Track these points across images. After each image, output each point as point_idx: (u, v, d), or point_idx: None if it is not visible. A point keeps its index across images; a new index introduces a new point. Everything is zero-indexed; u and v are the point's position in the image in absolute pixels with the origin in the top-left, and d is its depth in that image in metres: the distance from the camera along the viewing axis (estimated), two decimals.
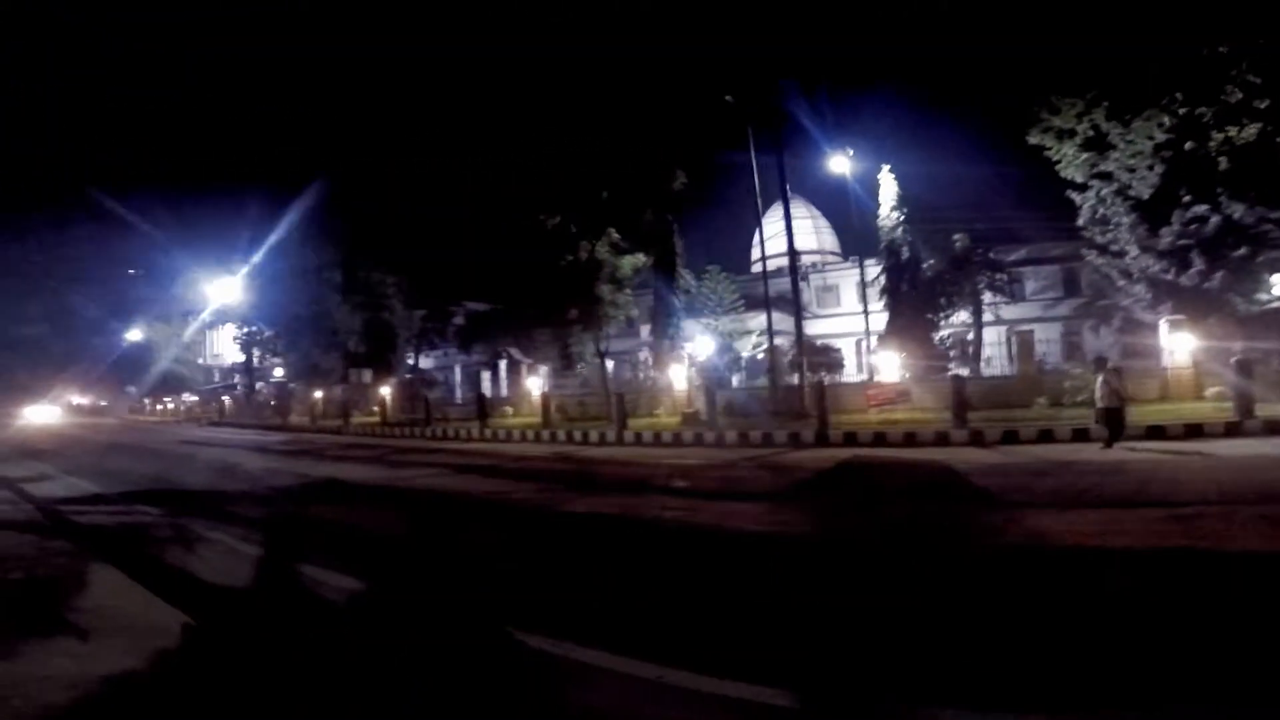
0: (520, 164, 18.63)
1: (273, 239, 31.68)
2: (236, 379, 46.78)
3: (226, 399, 41.09)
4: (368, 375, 33.45)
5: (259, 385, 43.59)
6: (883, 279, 28.60)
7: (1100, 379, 10.86)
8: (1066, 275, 33.43)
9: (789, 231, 18.08)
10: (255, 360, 42.57)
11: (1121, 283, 18.00)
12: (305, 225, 31.86)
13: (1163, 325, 15.95)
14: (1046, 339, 31.13)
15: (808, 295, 36.67)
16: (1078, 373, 15.25)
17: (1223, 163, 14.70)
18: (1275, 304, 15.20)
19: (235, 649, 3.92)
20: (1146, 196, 16.09)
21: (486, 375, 30.12)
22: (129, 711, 3.18)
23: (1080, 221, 18.32)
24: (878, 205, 28.66)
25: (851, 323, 37.50)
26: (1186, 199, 15.47)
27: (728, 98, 17.08)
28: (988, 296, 29.72)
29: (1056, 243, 32.15)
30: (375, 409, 29.00)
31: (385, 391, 28.25)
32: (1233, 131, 14.17)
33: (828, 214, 50.60)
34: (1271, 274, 15.39)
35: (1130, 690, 2.99)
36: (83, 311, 47.90)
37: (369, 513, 8.68)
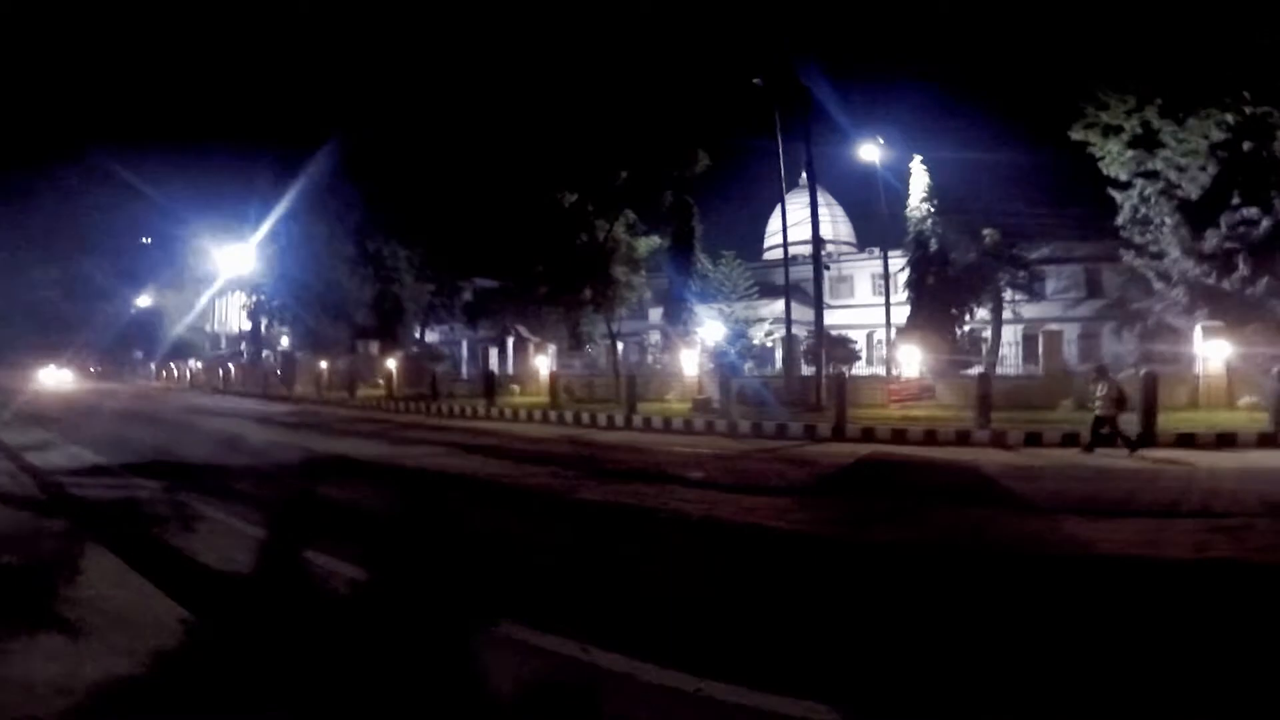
0: (539, 140, 18.16)
1: (285, 207, 31.25)
2: (243, 347, 46.68)
3: (232, 367, 40.96)
4: (374, 347, 33.21)
5: (265, 354, 43.47)
6: (907, 271, 27.96)
7: (1101, 386, 10.67)
8: (1089, 276, 32.82)
9: (814, 219, 17.60)
10: (262, 329, 42.40)
11: (1158, 285, 17.45)
12: (318, 194, 31.45)
13: (1197, 331, 15.46)
14: (1065, 340, 30.63)
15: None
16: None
17: None
18: None
19: (235, 651, 3.62)
20: (1195, 197, 15.50)
21: (493, 352, 29.80)
22: None
23: (1119, 220, 17.75)
24: (901, 196, 28.03)
25: (864, 314, 37.00)
26: (1236, 201, 14.89)
27: (756, 80, 16.51)
28: (1008, 294, 29.12)
29: (1081, 242, 31.50)
30: (380, 382, 28.78)
31: (391, 364, 27.98)
32: None
33: (843, 203, 49.89)
34: None
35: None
36: (94, 278, 47.64)
37: (377, 494, 8.40)
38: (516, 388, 24.31)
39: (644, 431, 15.01)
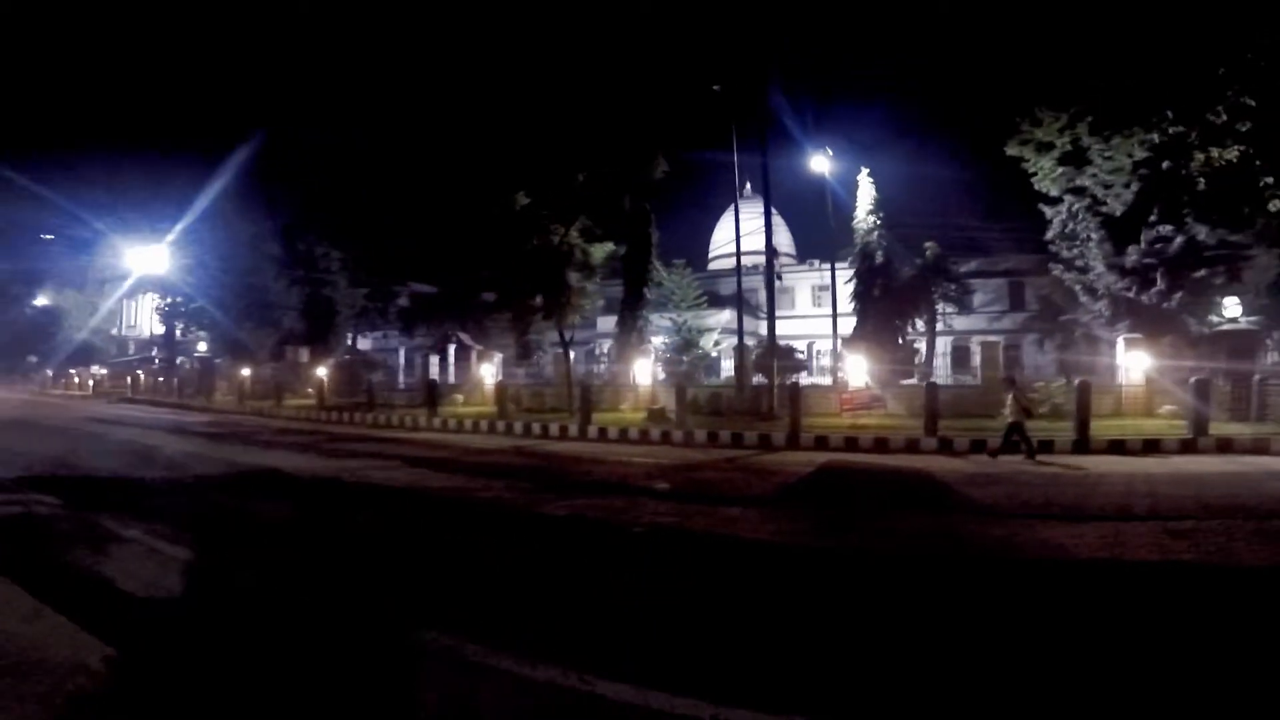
0: (490, 139, 17.49)
1: (204, 203, 29.27)
2: (155, 353, 43.49)
3: (141, 373, 37.98)
4: (304, 354, 31.46)
5: (179, 360, 40.61)
6: (853, 282, 28.56)
7: (1010, 396, 11.25)
8: (1012, 289, 34.55)
9: (768, 230, 17.70)
10: (177, 333, 39.62)
11: (1084, 298, 18.38)
12: (242, 190, 29.62)
13: (1119, 342, 16.34)
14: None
15: (762, 295, 36.60)
16: (1040, 385, 15.48)
17: (1201, 183, 15.04)
18: (1226, 325, 15.78)
19: (168, 690, 3.08)
20: (1119, 214, 16.41)
21: (434, 360, 28.71)
22: None
23: (1049, 235, 18.62)
24: (843, 208, 28.64)
25: (805, 325, 37.77)
26: (1153, 218, 15.84)
27: (715, 87, 16.50)
28: (941, 306, 30.26)
29: (1004, 257, 33.20)
30: (310, 390, 27.23)
31: (322, 372, 26.52)
32: (1215, 152, 14.52)
33: (783, 215, 51.04)
34: (1225, 296, 15.98)
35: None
36: None
37: (316, 511, 7.71)
38: (460, 397, 23.43)
39: (599, 442, 14.63)
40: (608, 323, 31.34)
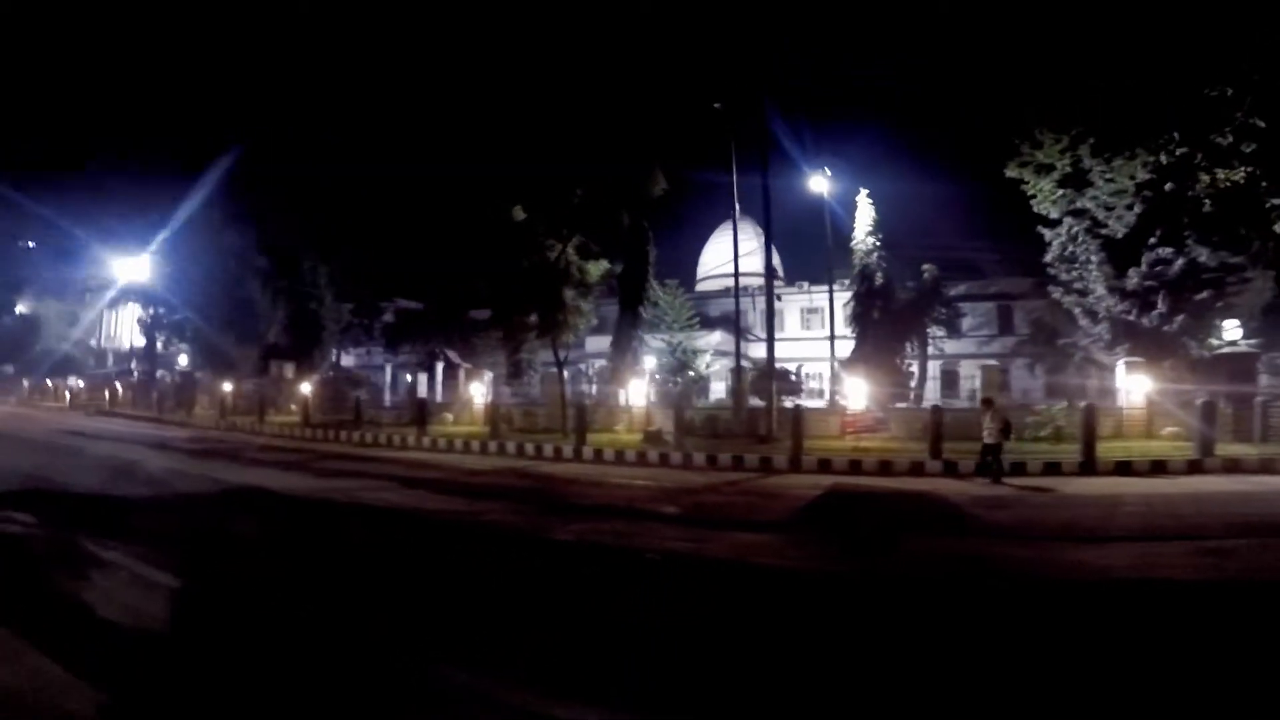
0: (485, 150, 17.40)
1: (189, 212, 28.74)
2: (134, 365, 42.48)
3: (120, 386, 37.00)
4: (289, 369, 30.82)
5: (160, 373, 39.65)
6: (852, 304, 28.40)
7: (988, 417, 11.25)
8: (1001, 312, 34.75)
9: (768, 252, 17.58)
10: (158, 345, 38.73)
11: (1083, 322, 18.39)
12: (227, 200, 29.18)
13: (1119, 366, 16.33)
14: (975, 375, 32.20)
15: (751, 317, 36.51)
16: (1042, 409, 15.42)
17: (1206, 205, 15.12)
18: (1225, 349, 15.85)
19: None
20: (1120, 236, 16.47)
21: (421, 378, 28.22)
22: None
23: (1048, 258, 18.64)
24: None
25: (794, 348, 37.70)
26: (1152, 240, 15.91)
27: (716, 105, 16.45)
28: (932, 329, 30.27)
29: (993, 280, 33.47)
30: (294, 407, 26.56)
31: (306, 389, 25.91)
32: (1221, 174, 14.63)
33: (771, 237, 51.17)
34: (1225, 319, 16.06)
35: None
36: None
37: (311, 535, 7.33)
38: (450, 416, 22.94)
39: (595, 464, 14.29)
40: (596, 343, 31.05)
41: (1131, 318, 16.72)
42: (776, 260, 50.89)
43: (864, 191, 27.64)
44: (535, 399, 24.86)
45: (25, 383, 40.20)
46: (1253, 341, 16.08)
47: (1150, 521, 7.76)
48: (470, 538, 7.04)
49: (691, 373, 30.97)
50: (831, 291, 24.68)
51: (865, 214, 27.88)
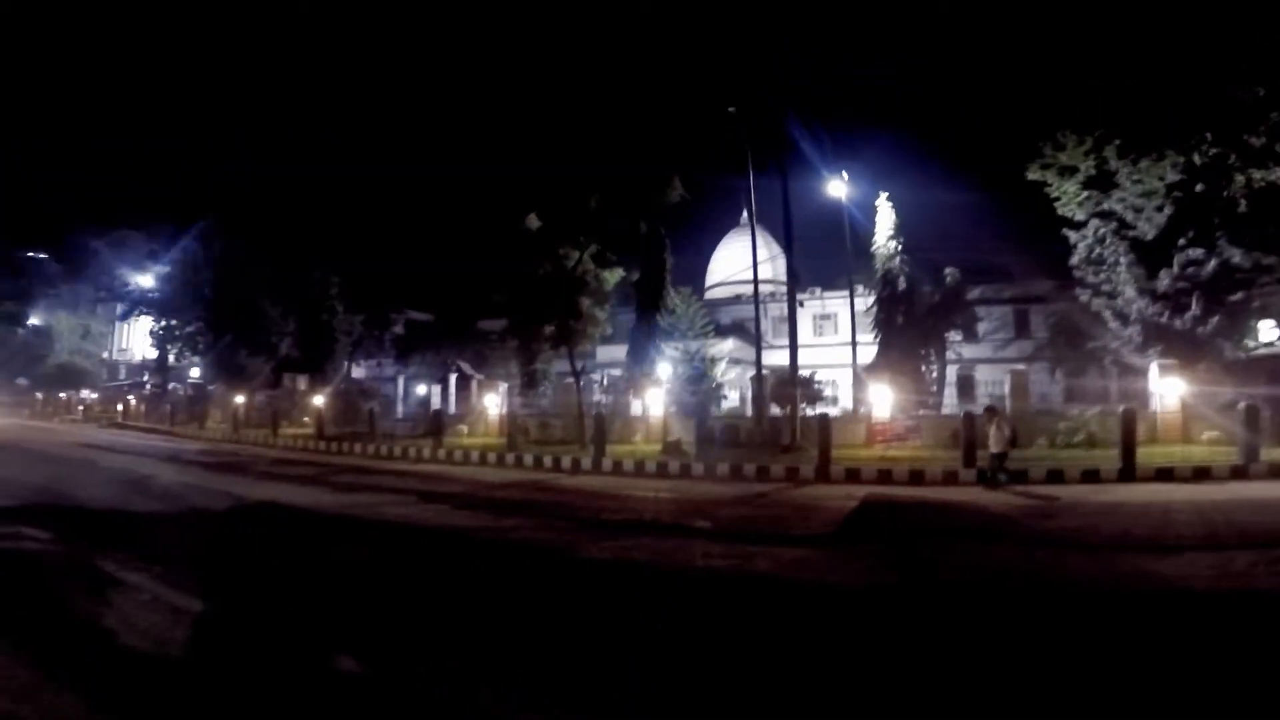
0: (501, 158, 17.25)
1: (200, 223, 28.73)
2: (147, 378, 42.51)
3: (132, 399, 37.00)
4: (303, 381, 30.69)
5: (172, 386, 39.66)
6: (875, 310, 27.90)
7: (993, 426, 11.07)
8: (1018, 316, 34.22)
9: (789, 257, 17.35)
10: (171, 358, 38.75)
11: (1113, 324, 18.00)
12: (239, 212, 29.16)
13: (1153, 368, 15.92)
14: (992, 380, 31.67)
15: (765, 324, 36.13)
16: (1075, 414, 15.02)
17: (1242, 205, 14.79)
18: (1261, 350, 15.43)
19: None
20: (1150, 237, 16.13)
21: (435, 389, 28.01)
22: None
23: (1073, 260, 18.28)
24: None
25: (808, 355, 37.25)
26: (1181, 242, 15.57)
27: (730, 109, 16.27)
28: (950, 334, 29.77)
29: (1010, 283, 32.94)
30: (307, 419, 26.40)
31: (319, 401, 25.75)
32: (1257, 175, 14.28)
33: (781, 244, 50.85)
34: (1260, 320, 15.66)
35: None
36: None
37: (336, 553, 7.04)
38: (464, 428, 22.69)
39: (615, 476, 13.98)
40: (607, 352, 30.70)
41: (1164, 320, 16.31)
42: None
43: (884, 195, 27.12)
44: (548, 410, 24.55)
45: (38, 395, 40.31)
46: None
47: (1211, 530, 7.40)
48: (501, 556, 6.74)
49: (712, 381, 30.57)
50: (853, 297, 24.29)
51: (886, 218, 27.33)
